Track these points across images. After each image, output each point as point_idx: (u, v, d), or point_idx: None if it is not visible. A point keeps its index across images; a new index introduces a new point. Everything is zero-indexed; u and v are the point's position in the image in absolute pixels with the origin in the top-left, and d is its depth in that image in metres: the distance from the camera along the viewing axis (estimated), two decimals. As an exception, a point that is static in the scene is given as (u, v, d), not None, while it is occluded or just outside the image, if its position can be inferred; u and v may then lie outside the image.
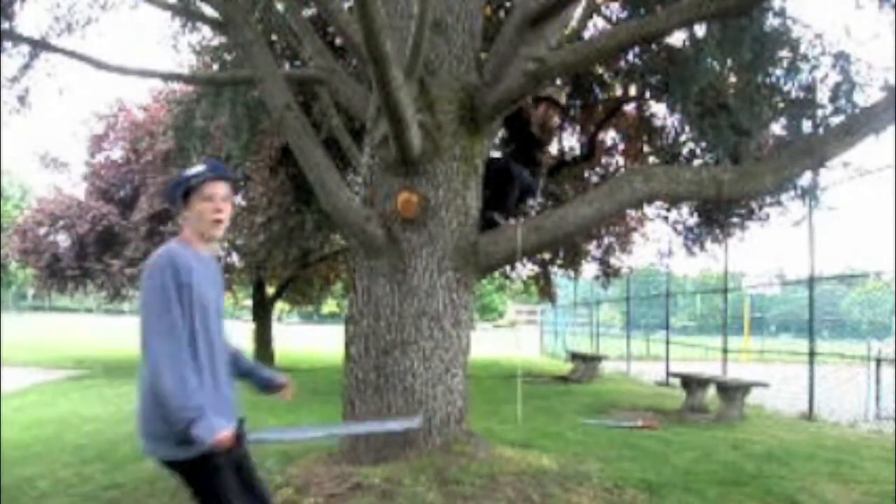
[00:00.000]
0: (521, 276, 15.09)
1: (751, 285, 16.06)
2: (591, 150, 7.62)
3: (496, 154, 5.43)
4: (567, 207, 4.53)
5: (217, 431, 2.13)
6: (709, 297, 18.72)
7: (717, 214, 9.55)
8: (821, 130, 5.78)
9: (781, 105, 6.29)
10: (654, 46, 6.51)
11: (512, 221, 4.70)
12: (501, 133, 5.50)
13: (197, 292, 2.23)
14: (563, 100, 5.30)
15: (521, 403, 5.51)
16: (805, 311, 9.36)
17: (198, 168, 2.36)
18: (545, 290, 15.01)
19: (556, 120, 5.26)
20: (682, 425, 7.05)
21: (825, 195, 7.86)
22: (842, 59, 5.72)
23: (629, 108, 9.26)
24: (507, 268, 12.08)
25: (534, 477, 4.12)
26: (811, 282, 8.71)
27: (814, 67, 6.09)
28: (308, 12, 7.53)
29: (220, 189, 2.34)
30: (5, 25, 5.95)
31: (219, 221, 2.33)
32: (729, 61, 6.00)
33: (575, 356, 13.89)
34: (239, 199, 13.78)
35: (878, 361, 9.01)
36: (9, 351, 13.68)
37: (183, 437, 2.14)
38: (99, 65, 5.43)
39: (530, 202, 5.22)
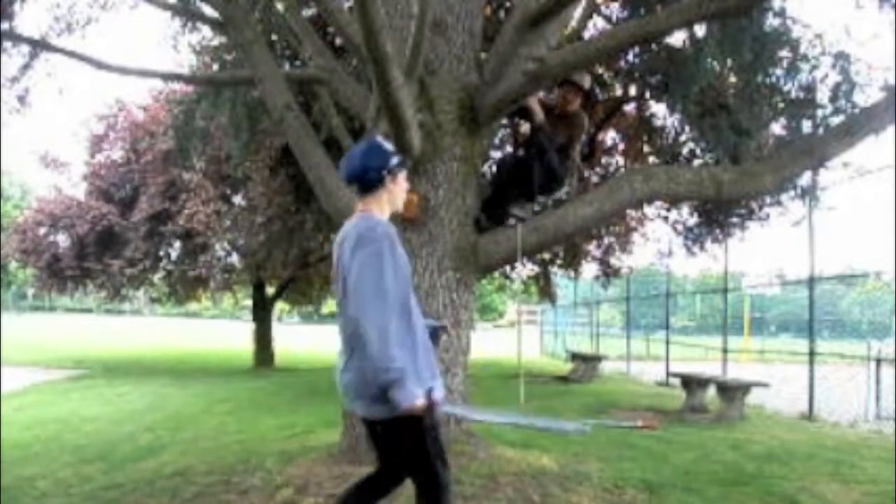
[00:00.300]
0: (522, 276, 15.08)
1: (751, 285, 16.04)
2: (591, 150, 7.58)
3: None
4: (567, 207, 4.53)
5: (413, 398, 2.23)
6: (709, 297, 18.65)
7: (717, 214, 9.53)
8: (821, 130, 5.78)
9: (781, 105, 6.29)
10: (654, 46, 6.51)
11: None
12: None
13: (403, 262, 2.37)
14: (586, 83, 4.81)
15: (523, 398, 5.52)
16: (805, 311, 9.35)
17: (389, 147, 2.53)
18: (545, 290, 14.99)
19: (577, 104, 4.79)
20: (682, 425, 7.05)
21: (825, 195, 7.86)
22: (842, 59, 5.72)
23: (629, 108, 9.25)
24: (507, 268, 12.06)
25: (534, 477, 4.12)
26: (811, 282, 8.71)
27: (814, 67, 6.09)
28: (308, 12, 7.53)
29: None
30: (5, 25, 5.95)
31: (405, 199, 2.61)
32: (729, 61, 6.00)
33: (575, 356, 13.89)
34: (239, 199, 13.81)
35: (878, 361, 8.99)
36: (9, 351, 13.69)
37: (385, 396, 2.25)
38: (99, 65, 5.43)
39: (560, 192, 4.81)
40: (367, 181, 2.46)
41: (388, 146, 2.54)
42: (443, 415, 2.40)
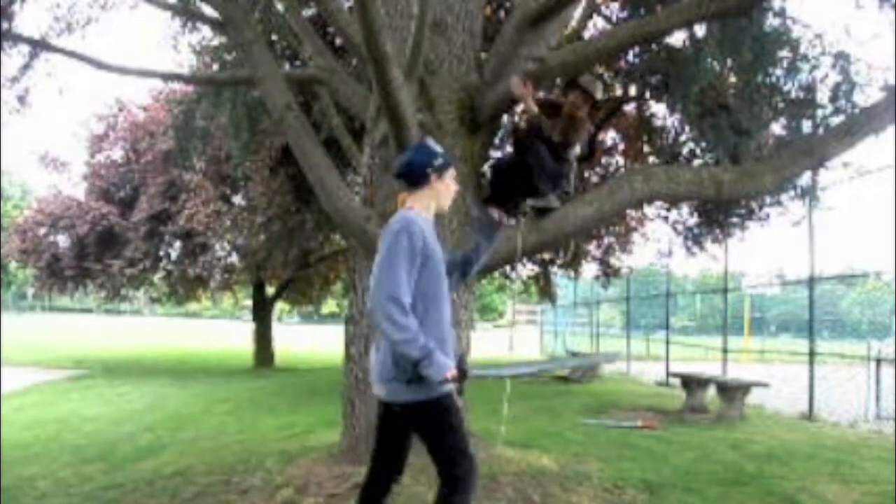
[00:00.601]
0: (522, 276, 15.09)
1: (751, 285, 16.04)
2: (591, 150, 7.52)
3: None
4: (567, 207, 4.52)
5: (445, 369, 2.37)
6: (709, 297, 18.65)
7: (717, 214, 9.53)
8: (821, 130, 5.78)
9: (781, 105, 6.29)
10: (654, 46, 6.51)
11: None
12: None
13: (431, 254, 2.47)
14: (598, 93, 4.58)
15: (506, 403, 5.52)
16: (805, 311, 9.34)
17: (436, 148, 2.65)
18: (545, 290, 15.00)
19: (584, 111, 4.50)
20: (682, 425, 7.05)
21: (825, 195, 7.86)
22: (842, 59, 5.72)
23: (629, 108, 9.25)
24: (507, 268, 12.06)
25: (534, 477, 4.12)
26: (811, 282, 8.70)
27: (814, 67, 6.09)
28: (308, 12, 7.53)
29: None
30: (5, 25, 5.95)
31: (453, 198, 2.73)
32: (729, 61, 6.00)
33: (575, 356, 13.89)
34: (239, 199, 13.81)
35: (878, 361, 8.99)
36: (9, 351, 13.68)
37: (414, 379, 2.39)
38: (99, 65, 5.43)
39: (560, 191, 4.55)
40: (411, 177, 2.59)
41: (436, 147, 2.66)
42: (473, 377, 2.51)
